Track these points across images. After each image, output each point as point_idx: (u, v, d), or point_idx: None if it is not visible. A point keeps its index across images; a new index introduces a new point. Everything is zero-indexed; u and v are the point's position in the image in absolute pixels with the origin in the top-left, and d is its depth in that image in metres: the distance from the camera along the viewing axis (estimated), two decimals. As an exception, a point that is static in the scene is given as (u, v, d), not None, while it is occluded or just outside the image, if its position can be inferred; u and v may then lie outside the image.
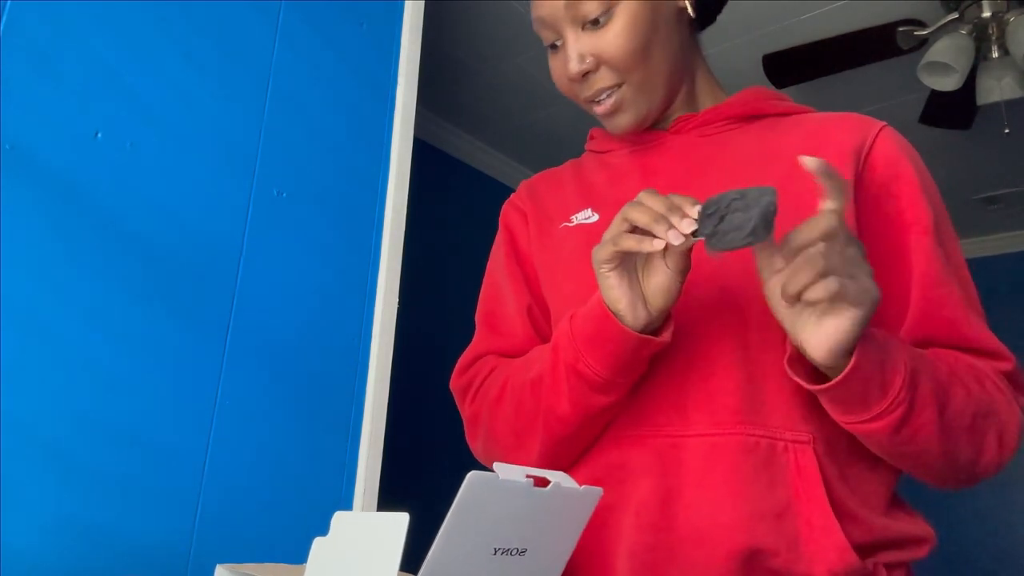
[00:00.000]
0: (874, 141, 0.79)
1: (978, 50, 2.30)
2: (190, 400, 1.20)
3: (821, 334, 0.60)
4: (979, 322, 0.75)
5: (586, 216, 0.86)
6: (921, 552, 0.74)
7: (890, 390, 0.63)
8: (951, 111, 2.61)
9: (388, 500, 1.34)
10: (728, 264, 0.73)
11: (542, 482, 0.50)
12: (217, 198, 1.30)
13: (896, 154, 0.78)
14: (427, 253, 3.00)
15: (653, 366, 0.75)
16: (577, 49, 0.79)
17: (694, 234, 0.61)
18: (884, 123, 0.81)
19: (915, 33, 2.33)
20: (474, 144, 3.49)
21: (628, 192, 0.83)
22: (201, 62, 1.32)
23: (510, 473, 0.45)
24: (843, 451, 0.72)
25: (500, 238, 0.97)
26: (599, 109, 0.83)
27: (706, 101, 0.89)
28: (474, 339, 0.93)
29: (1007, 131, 2.59)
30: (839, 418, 0.66)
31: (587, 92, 0.82)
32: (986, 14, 2.24)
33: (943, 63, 2.24)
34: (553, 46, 0.82)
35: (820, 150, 0.78)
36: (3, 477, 0.99)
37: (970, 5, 2.27)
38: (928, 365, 0.67)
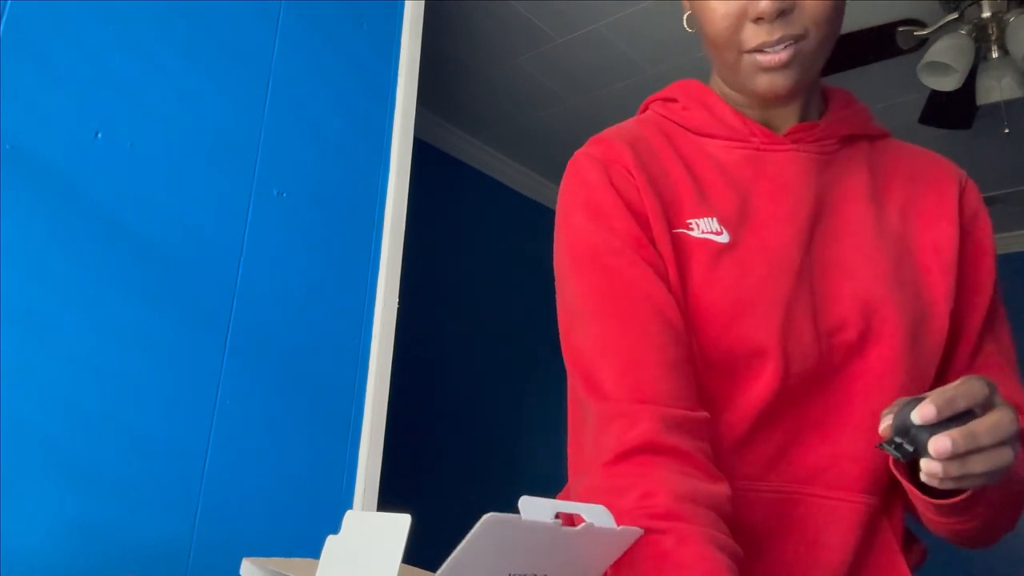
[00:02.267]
0: (966, 186, 0.82)
1: (978, 50, 2.30)
2: (190, 400, 1.20)
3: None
4: (1015, 382, 0.76)
5: (712, 230, 0.72)
6: (919, 561, 0.78)
7: (985, 496, 0.62)
8: (951, 111, 2.61)
9: (388, 500, 1.34)
10: (864, 328, 0.72)
11: (575, 519, 0.49)
12: (217, 198, 1.30)
13: (979, 205, 0.82)
14: (427, 253, 3.01)
15: (782, 422, 0.71)
16: None
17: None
18: (966, 173, 0.84)
19: (915, 33, 2.33)
20: (474, 144, 3.49)
21: (760, 211, 0.74)
22: (201, 62, 1.32)
23: (535, 512, 0.44)
24: (893, 510, 0.75)
25: (614, 211, 0.72)
26: (770, 58, 0.70)
27: (814, 105, 0.81)
28: (615, 385, 0.65)
29: (1007, 131, 2.59)
30: (936, 519, 0.66)
31: (765, 36, 0.69)
32: (986, 14, 2.24)
33: (943, 63, 2.25)
34: None
35: (929, 188, 0.81)
36: (3, 477, 0.99)
37: (970, 5, 2.27)
38: None
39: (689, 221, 0.72)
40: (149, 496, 1.13)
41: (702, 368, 0.69)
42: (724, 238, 0.71)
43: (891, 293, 0.72)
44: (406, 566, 0.44)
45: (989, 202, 3.81)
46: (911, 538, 0.78)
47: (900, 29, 2.32)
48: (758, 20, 0.69)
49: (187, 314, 1.22)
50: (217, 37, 1.35)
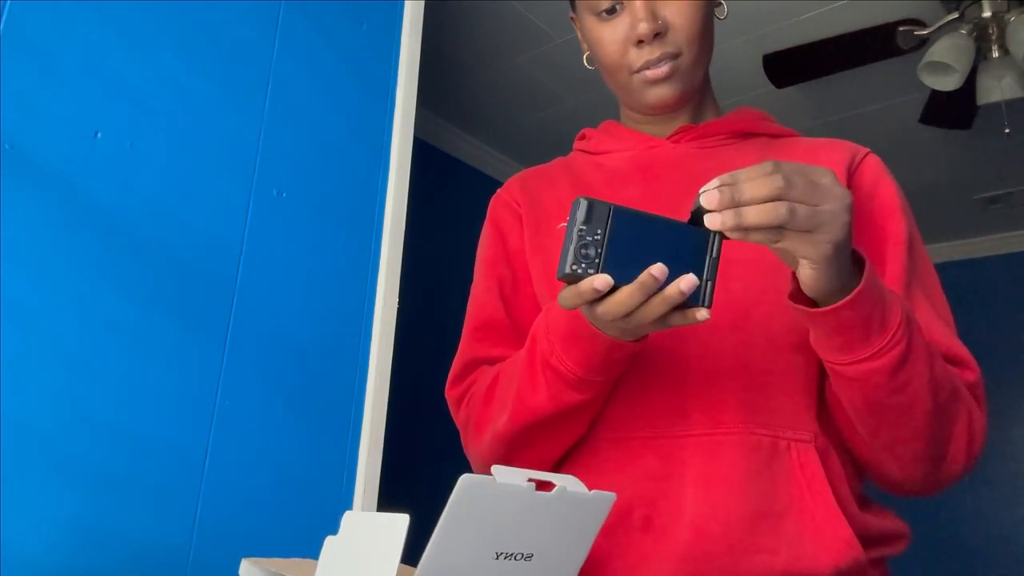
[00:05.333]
0: (861, 161, 0.85)
1: (978, 50, 2.30)
2: (190, 400, 1.20)
3: (802, 272, 0.60)
4: (945, 330, 0.77)
5: None
6: (898, 548, 0.76)
7: (890, 325, 0.63)
8: (951, 111, 2.61)
9: (388, 500, 1.34)
10: (731, 262, 0.73)
11: (548, 486, 0.49)
12: (217, 198, 1.30)
13: (879, 174, 0.84)
14: (427, 253, 3.00)
15: (653, 365, 0.75)
16: (651, 9, 0.81)
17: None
18: (869, 149, 0.87)
19: (915, 33, 2.33)
20: (474, 144, 3.49)
21: (628, 197, 0.84)
22: (201, 62, 1.32)
23: (508, 476, 0.45)
24: (836, 450, 0.75)
25: (489, 239, 0.93)
26: (654, 72, 0.83)
27: (708, 114, 0.92)
28: (463, 346, 0.90)
29: (1007, 131, 2.59)
30: (838, 358, 0.65)
31: (647, 56, 0.82)
32: (986, 14, 2.24)
33: (943, 63, 2.24)
34: (611, 10, 0.83)
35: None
36: (3, 477, 0.99)
37: (970, 5, 2.27)
38: (917, 322, 0.68)
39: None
40: (149, 496, 1.13)
41: None
42: None
43: (745, 254, 0.73)
44: (404, 566, 0.44)
45: (989, 202, 3.81)
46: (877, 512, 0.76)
47: (900, 29, 2.32)
48: (639, 43, 0.82)
49: (187, 314, 1.22)
50: (217, 37, 1.35)
